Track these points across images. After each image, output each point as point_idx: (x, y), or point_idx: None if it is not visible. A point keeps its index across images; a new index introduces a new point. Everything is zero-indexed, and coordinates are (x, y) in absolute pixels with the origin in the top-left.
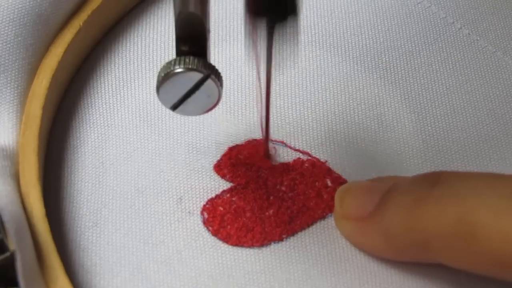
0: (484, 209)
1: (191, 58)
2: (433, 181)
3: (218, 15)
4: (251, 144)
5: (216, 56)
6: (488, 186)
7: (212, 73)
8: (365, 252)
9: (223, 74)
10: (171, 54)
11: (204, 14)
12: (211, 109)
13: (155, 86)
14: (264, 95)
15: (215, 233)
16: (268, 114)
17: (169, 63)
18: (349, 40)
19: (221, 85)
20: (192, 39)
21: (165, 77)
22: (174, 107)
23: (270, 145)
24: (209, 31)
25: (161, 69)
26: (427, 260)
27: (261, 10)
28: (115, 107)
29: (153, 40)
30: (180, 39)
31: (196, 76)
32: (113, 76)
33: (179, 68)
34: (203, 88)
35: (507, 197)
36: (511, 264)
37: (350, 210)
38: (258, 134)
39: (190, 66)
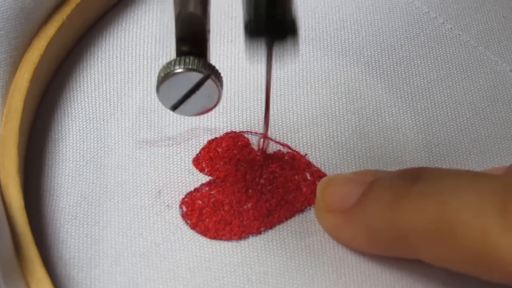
0: (465, 207)
1: (191, 58)
2: (415, 177)
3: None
4: (229, 136)
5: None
6: (469, 184)
7: (212, 73)
8: (345, 245)
9: None
10: (155, 48)
11: (204, 14)
12: (211, 109)
13: (137, 80)
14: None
15: (193, 226)
16: (267, 118)
17: (169, 63)
18: (332, 34)
19: (221, 85)
20: (192, 39)
21: (165, 77)
22: (174, 107)
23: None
24: (209, 31)
25: (161, 69)
26: (406, 256)
27: (260, 31)
28: (97, 101)
29: (136, 35)
30: (180, 39)
31: (196, 76)
32: (95, 70)
33: (179, 68)
34: (203, 88)
35: (487, 196)
36: (489, 263)
37: (331, 203)
38: (236, 127)
39: (190, 66)
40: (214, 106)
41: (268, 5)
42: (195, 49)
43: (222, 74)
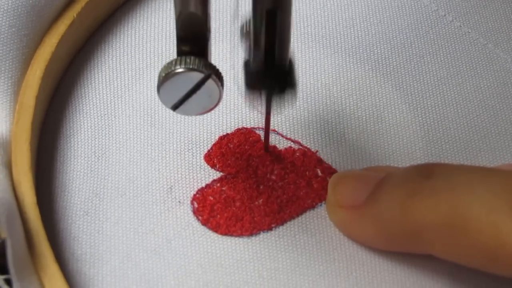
0: (477, 204)
1: (192, 58)
2: (427, 173)
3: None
4: (241, 132)
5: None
6: (481, 180)
7: (213, 73)
8: (356, 241)
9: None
10: (165, 46)
11: (204, 14)
12: (212, 109)
13: (148, 77)
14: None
15: (204, 223)
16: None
17: (170, 63)
18: (341, 32)
19: (222, 85)
20: (193, 39)
21: (166, 77)
22: (175, 107)
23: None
24: (209, 31)
25: (162, 69)
26: (418, 251)
27: (260, 85)
28: (108, 98)
29: (146, 32)
30: (181, 39)
31: (197, 76)
32: (106, 67)
33: (180, 68)
34: (204, 88)
35: (499, 193)
36: (501, 259)
37: (343, 198)
38: (248, 123)
39: (191, 66)
40: (215, 106)
41: (266, 59)
42: (196, 49)
43: (233, 72)
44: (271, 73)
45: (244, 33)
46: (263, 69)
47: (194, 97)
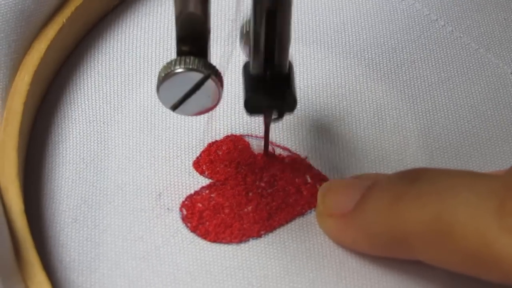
0: (462, 208)
1: (192, 58)
2: (413, 177)
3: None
4: (229, 139)
5: None
6: (467, 185)
7: (213, 73)
8: (346, 248)
9: None
10: (155, 51)
11: (204, 14)
12: (211, 109)
13: (138, 82)
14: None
15: (193, 230)
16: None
17: (169, 63)
18: (332, 37)
19: (222, 85)
20: (193, 39)
21: (166, 77)
22: (174, 107)
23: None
24: (209, 31)
25: (161, 69)
26: (406, 257)
27: (259, 110)
28: (97, 104)
29: (136, 37)
30: (181, 39)
31: (197, 76)
32: (96, 73)
33: (180, 68)
34: (203, 88)
35: (485, 197)
36: (487, 264)
37: (331, 207)
38: (236, 130)
39: (190, 66)
40: (215, 106)
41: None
42: (196, 49)
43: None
44: (270, 94)
45: (244, 34)
46: (263, 83)
47: (194, 97)
